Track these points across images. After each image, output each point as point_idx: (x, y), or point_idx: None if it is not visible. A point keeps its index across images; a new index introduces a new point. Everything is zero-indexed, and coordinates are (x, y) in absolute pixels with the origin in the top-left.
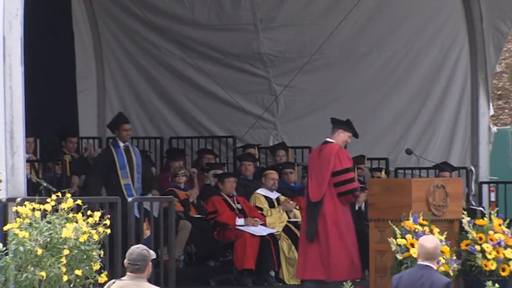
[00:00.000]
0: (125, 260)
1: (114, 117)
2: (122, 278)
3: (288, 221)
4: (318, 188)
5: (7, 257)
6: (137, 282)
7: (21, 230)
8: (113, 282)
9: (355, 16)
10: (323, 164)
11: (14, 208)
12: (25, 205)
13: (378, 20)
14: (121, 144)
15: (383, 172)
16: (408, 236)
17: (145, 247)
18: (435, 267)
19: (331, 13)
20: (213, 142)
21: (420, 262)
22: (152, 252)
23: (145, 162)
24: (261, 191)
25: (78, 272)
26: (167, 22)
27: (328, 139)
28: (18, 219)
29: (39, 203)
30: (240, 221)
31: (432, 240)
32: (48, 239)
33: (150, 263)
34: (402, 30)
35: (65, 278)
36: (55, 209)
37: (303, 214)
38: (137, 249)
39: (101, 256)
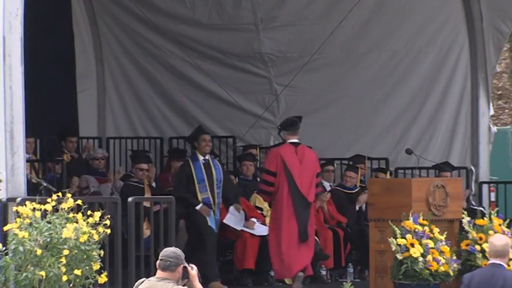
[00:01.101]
0: (158, 261)
1: (194, 130)
2: (151, 278)
3: None
4: (311, 189)
5: (7, 257)
6: (164, 284)
7: (21, 230)
8: (142, 282)
9: (356, 16)
10: (310, 166)
11: (14, 208)
12: (25, 205)
13: (378, 20)
14: (201, 158)
15: (388, 174)
16: (408, 236)
17: (180, 250)
18: (505, 265)
19: (331, 13)
20: (213, 142)
21: (491, 261)
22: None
23: (226, 177)
24: None
25: (77, 272)
26: (168, 22)
27: (297, 141)
28: (18, 219)
29: (40, 203)
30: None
31: (502, 238)
32: (48, 239)
33: (181, 268)
34: (402, 30)
35: (64, 278)
36: (55, 209)
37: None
38: (171, 248)
39: (101, 256)
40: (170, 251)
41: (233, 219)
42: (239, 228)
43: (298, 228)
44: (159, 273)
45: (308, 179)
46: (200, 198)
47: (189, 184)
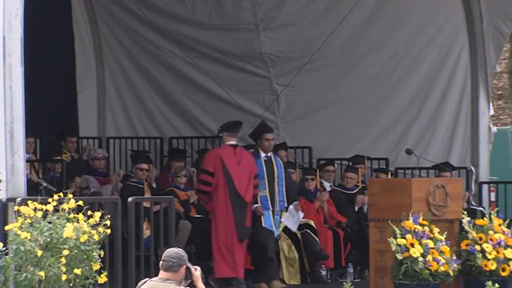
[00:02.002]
0: (160, 262)
1: (256, 126)
2: (153, 279)
3: None
4: (248, 189)
5: (7, 257)
6: (166, 285)
7: (22, 230)
8: (144, 282)
9: (356, 16)
10: (247, 167)
11: (15, 208)
12: (27, 205)
13: (378, 20)
14: (262, 155)
15: (389, 174)
16: (408, 236)
17: (183, 251)
18: None
19: (331, 12)
20: (213, 142)
21: None
22: (187, 260)
23: (287, 175)
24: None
25: (77, 271)
26: (168, 22)
27: (236, 142)
28: (19, 219)
29: (41, 203)
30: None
31: None
32: (49, 239)
33: (184, 269)
34: (402, 30)
35: (64, 277)
36: (55, 209)
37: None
38: (174, 248)
39: (101, 256)
40: (172, 252)
41: (290, 219)
42: (293, 229)
43: (236, 228)
44: (161, 273)
45: (246, 179)
46: (258, 196)
47: None
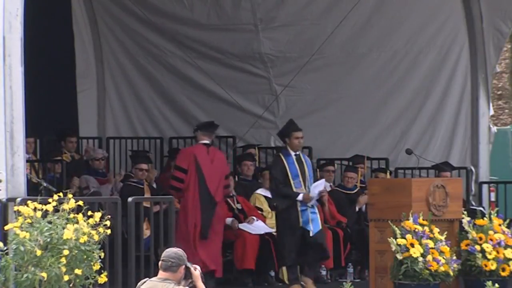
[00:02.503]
0: (160, 262)
1: (285, 125)
2: (152, 279)
3: None
4: (219, 189)
5: (7, 257)
6: (165, 285)
7: (21, 230)
8: (144, 282)
9: (355, 16)
10: (220, 167)
11: (15, 208)
12: (27, 205)
13: (378, 20)
14: (292, 153)
15: (387, 174)
16: (408, 236)
17: (182, 250)
18: None
19: (331, 13)
20: (213, 142)
21: None
22: (187, 261)
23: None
24: (261, 191)
25: (78, 271)
26: (167, 22)
27: (209, 142)
28: (19, 218)
29: (41, 203)
30: (228, 220)
31: None
32: (49, 239)
33: (183, 269)
34: (402, 30)
35: (65, 278)
36: (55, 209)
37: None
38: (173, 248)
39: (101, 256)
40: (171, 252)
41: (318, 186)
42: (314, 194)
43: (201, 225)
44: (160, 273)
45: (217, 179)
46: None
47: (285, 180)
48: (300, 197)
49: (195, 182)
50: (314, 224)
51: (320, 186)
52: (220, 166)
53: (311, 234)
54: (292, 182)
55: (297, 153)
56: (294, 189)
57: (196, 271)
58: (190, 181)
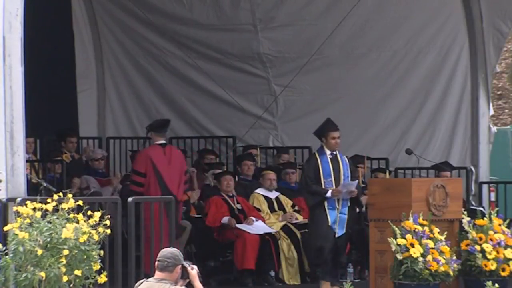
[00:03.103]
0: (156, 262)
1: (322, 124)
2: (149, 279)
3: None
4: (180, 187)
5: (7, 257)
6: (161, 285)
7: (21, 230)
8: (141, 283)
9: (355, 16)
10: (178, 165)
11: (14, 208)
12: (26, 205)
13: (377, 20)
14: (327, 152)
15: (387, 174)
16: (408, 236)
17: (178, 250)
18: None
19: (330, 13)
20: (213, 142)
21: None
22: (183, 261)
23: (354, 174)
24: (260, 191)
25: (77, 272)
26: (167, 22)
27: (164, 141)
28: (19, 219)
29: (40, 203)
30: (225, 219)
31: None
32: (48, 239)
33: (180, 268)
34: (402, 30)
35: (65, 278)
36: (55, 209)
37: (304, 214)
38: (169, 248)
39: (101, 256)
40: (167, 252)
41: (347, 186)
42: (343, 188)
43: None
44: (157, 273)
45: (177, 178)
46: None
47: (316, 179)
48: (329, 193)
49: (155, 184)
50: (340, 227)
51: (351, 185)
52: (179, 164)
53: (336, 236)
54: (323, 181)
55: (334, 152)
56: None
57: (193, 270)
58: (150, 184)
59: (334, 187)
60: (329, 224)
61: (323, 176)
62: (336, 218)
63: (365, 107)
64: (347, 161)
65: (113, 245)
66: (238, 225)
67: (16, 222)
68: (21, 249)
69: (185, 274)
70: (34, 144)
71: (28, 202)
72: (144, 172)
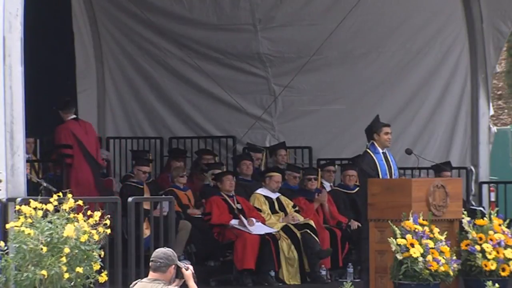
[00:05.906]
0: (150, 263)
1: (373, 120)
2: (143, 280)
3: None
4: (98, 153)
5: (7, 256)
6: (154, 285)
7: (25, 227)
8: (135, 283)
9: (354, 16)
10: (92, 133)
11: (17, 207)
12: (29, 203)
13: (377, 20)
14: (380, 150)
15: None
16: (408, 236)
17: (172, 250)
18: None
19: (330, 13)
20: (213, 143)
21: None
22: (176, 259)
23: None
24: (261, 191)
25: (79, 269)
26: (166, 22)
27: (75, 116)
28: (21, 217)
29: (41, 202)
30: (234, 221)
31: None
32: (49, 239)
33: (173, 268)
34: (402, 30)
35: (66, 275)
36: (56, 209)
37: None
38: (163, 249)
39: (101, 256)
40: (160, 252)
41: None
42: None
43: (95, 185)
44: (150, 274)
45: (94, 145)
46: None
47: (375, 176)
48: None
49: (79, 153)
50: None
51: None
52: (93, 133)
53: None
54: (381, 178)
55: (384, 150)
56: None
57: (188, 270)
58: (75, 154)
59: None
60: None
61: (381, 174)
62: None
63: (364, 107)
64: (395, 159)
65: (113, 245)
66: (239, 227)
67: (18, 220)
68: (24, 247)
69: (179, 274)
70: (34, 144)
71: (31, 201)
72: (71, 143)
